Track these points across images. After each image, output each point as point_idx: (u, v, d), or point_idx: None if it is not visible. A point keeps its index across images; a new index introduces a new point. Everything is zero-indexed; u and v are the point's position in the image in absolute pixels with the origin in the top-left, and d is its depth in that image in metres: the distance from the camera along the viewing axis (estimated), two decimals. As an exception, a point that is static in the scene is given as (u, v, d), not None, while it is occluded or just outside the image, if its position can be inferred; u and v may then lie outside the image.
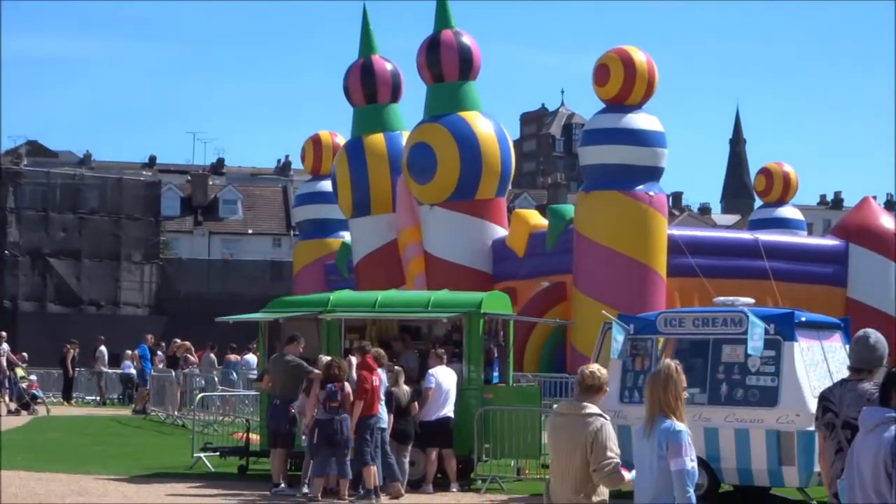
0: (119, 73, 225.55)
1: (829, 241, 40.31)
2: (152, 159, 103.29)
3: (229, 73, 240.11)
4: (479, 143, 39.19)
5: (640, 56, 36.37)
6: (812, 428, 17.52)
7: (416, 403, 20.27)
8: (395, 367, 20.52)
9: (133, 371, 41.72)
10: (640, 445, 8.86)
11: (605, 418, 9.24)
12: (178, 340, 40.85)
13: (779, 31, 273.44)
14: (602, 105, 36.79)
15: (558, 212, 39.34)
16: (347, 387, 18.91)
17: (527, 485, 21.35)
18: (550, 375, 32.89)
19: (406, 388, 20.22)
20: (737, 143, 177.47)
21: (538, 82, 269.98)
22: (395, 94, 43.37)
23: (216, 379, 34.91)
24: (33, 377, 39.78)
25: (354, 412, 18.83)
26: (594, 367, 9.53)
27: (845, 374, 18.48)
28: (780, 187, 44.47)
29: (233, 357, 39.31)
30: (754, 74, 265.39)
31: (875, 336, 10.17)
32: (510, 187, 44.03)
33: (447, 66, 39.89)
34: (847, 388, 10.09)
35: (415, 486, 20.41)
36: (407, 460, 20.26)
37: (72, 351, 43.25)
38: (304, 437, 19.54)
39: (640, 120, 36.25)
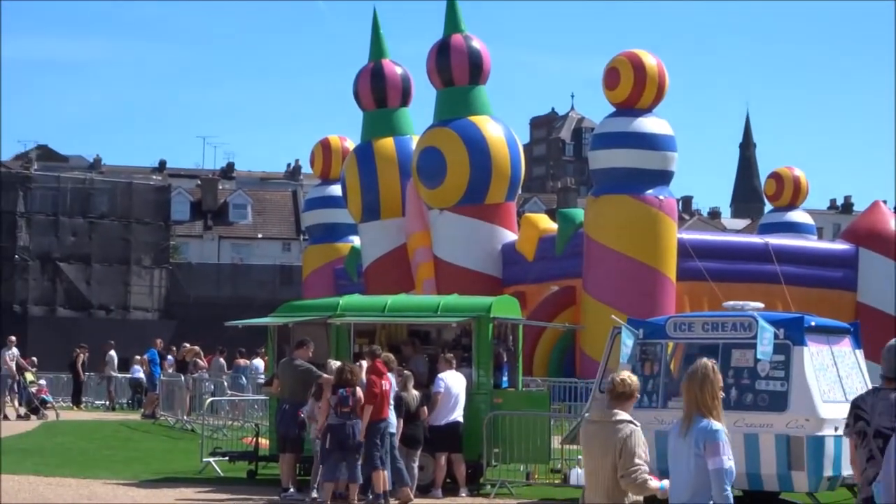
0: (129, 78, 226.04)
1: (839, 246, 40.25)
2: (162, 164, 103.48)
3: (239, 77, 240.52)
4: (488, 148, 39.19)
5: (650, 60, 36.36)
6: (821, 433, 17.51)
7: (425, 408, 20.25)
8: (405, 372, 20.50)
9: (142, 375, 41.73)
10: (677, 444, 8.89)
11: (636, 425, 9.30)
12: (188, 345, 40.85)
13: (789, 35, 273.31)
14: (612, 109, 36.79)
15: (568, 216, 39.34)
16: (359, 392, 18.88)
17: (536, 489, 21.32)
18: (560, 380, 32.86)
19: (415, 392, 20.20)
20: (747, 147, 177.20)
21: (548, 86, 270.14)
22: (405, 98, 43.39)
23: (225, 383, 34.91)
24: (42, 382, 39.77)
25: (364, 417, 18.81)
26: (625, 374, 9.59)
27: (854, 378, 18.64)
28: (790, 191, 44.45)
29: (242, 361, 39.35)
30: (764, 78, 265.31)
31: None
32: (520, 191, 44.02)
33: (457, 70, 39.90)
34: (879, 396, 10.06)
35: (424, 490, 20.38)
36: (416, 465, 20.24)
37: (81, 355, 43.28)
38: (316, 442, 19.51)
39: (650, 124, 36.24)
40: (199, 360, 38.32)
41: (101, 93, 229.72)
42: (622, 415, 9.32)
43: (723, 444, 8.68)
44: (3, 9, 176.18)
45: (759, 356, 17.91)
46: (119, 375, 44.66)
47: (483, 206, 39.63)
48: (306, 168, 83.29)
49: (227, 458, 23.79)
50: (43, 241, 59.69)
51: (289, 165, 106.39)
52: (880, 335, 36.30)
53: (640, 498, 9.34)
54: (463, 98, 39.98)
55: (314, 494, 19.69)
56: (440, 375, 20.54)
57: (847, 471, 17.88)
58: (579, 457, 21.03)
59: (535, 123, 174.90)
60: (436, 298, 25.05)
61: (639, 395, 9.77)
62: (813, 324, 18.65)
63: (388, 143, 42.65)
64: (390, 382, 19.34)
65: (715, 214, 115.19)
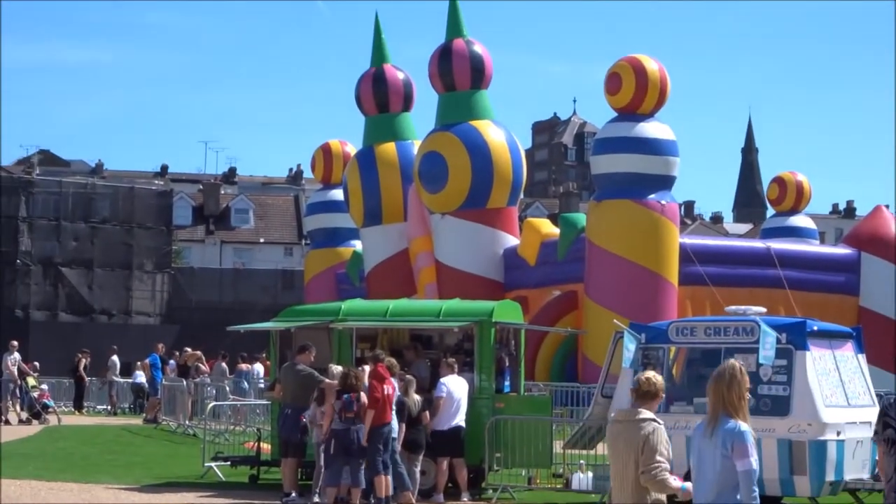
0: (131, 82, 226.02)
1: (842, 250, 40.26)
2: (164, 168, 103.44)
3: (241, 82, 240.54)
4: (490, 152, 39.20)
5: (651, 65, 36.39)
6: (823, 438, 17.49)
7: (427, 412, 20.23)
8: (407, 377, 20.47)
9: (144, 380, 41.73)
10: (702, 443, 8.91)
11: (659, 423, 9.35)
12: (190, 349, 40.86)
13: (791, 40, 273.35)
14: (614, 114, 36.80)
15: (570, 221, 39.35)
16: (364, 397, 18.87)
17: (538, 494, 21.30)
18: (562, 385, 32.88)
19: (417, 397, 20.17)
20: (749, 151, 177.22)
21: (550, 91, 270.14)
22: (407, 103, 43.42)
23: (227, 388, 34.91)
24: (44, 386, 39.78)
25: (366, 421, 18.79)
26: (650, 373, 9.69)
27: (857, 383, 18.62)
28: (793, 196, 44.47)
29: (244, 366, 39.36)
30: (767, 83, 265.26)
31: None
32: (522, 196, 44.05)
33: (459, 75, 39.93)
34: None
35: (426, 495, 20.37)
36: (418, 469, 20.22)
37: (83, 360, 43.30)
38: (319, 447, 19.48)
39: (651, 129, 36.26)
40: (200, 365, 38.32)
41: (103, 97, 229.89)
42: (646, 413, 9.38)
43: (750, 446, 8.72)
44: (5, 13, 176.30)
45: (761, 361, 17.89)
46: (121, 380, 44.67)
47: (485, 211, 39.64)
48: (308, 173, 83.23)
49: (228, 462, 23.78)
50: (45, 246, 59.70)
51: (291, 170, 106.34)
52: (882, 339, 36.57)
53: (664, 498, 9.35)
54: (465, 103, 40.01)
55: (316, 499, 19.69)
56: (442, 380, 20.52)
57: (849, 475, 17.88)
58: (581, 461, 21.04)
59: (538, 128, 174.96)
60: (438, 303, 25.04)
61: (664, 395, 9.78)
62: (815, 328, 18.64)
63: (389, 148, 42.68)
64: (393, 387, 19.32)
65: (717, 219, 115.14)
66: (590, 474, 20.43)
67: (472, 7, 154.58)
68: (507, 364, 22.58)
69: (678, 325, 19.63)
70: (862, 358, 19.13)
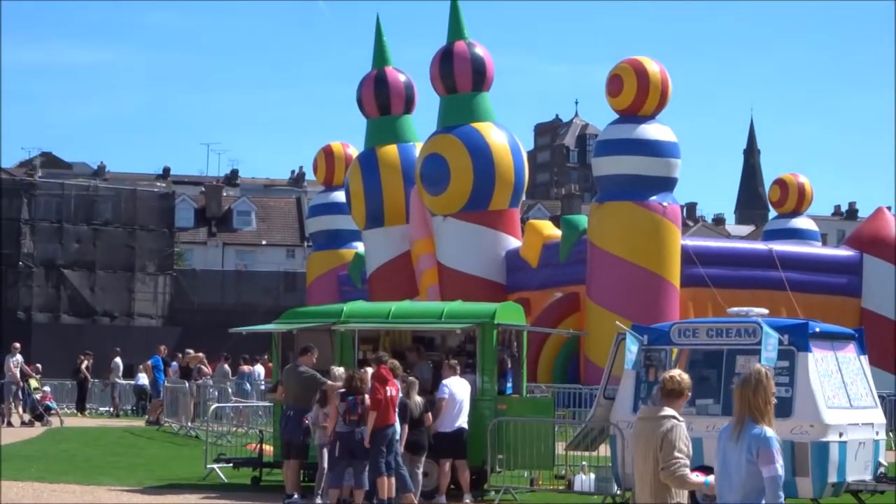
0: (133, 84, 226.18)
1: (844, 252, 40.25)
2: (166, 170, 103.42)
3: (243, 84, 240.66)
4: (492, 154, 39.20)
5: (653, 66, 36.39)
6: (825, 439, 17.49)
7: (429, 414, 20.23)
8: (409, 378, 20.47)
9: (146, 382, 41.74)
10: (728, 448, 8.91)
11: (679, 420, 9.36)
12: (192, 351, 40.85)
13: (792, 41, 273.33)
14: (616, 116, 36.79)
15: (572, 222, 39.34)
16: (368, 399, 18.87)
17: (540, 496, 21.30)
18: (564, 386, 32.89)
19: (419, 398, 20.17)
20: (751, 153, 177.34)
21: (552, 93, 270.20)
22: (409, 105, 43.41)
23: (229, 390, 34.92)
24: (47, 388, 39.79)
25: (368, 423, 18.80)
26: (675, 371, 9.69)
27: (859, 384, 18.62)
28: (794, 198, 44.45)
29: (246, 368, 39.36)
30: (768, 84, 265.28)
31: None
32: (524, 198, 44.06)
33: (460, 77, 39.92)
34: None
35: (428, 496, 20.38)
36: (420, 471, 20.21)
37: (86, 362, 43.32)
38: (325, 450, 19.46)
39: (653, 130, 36.26)
40: (203, 367, 38.32)
41: (104, 100, 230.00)
42: (668, 411, 9.39)
43: (776, 451, 8.74)
44: (6, 13, 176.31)
45: (763, 362, 17.86)
46: (123, 382, 44.70)
47: (487, 213, 39.64)
48: (310, 175, 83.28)
49: (231, 464, 23.78)
50: (47, 248, 59.75)
51: (293, 172, 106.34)
52: (884, 341, 36.58)
53: (684, 499, 9.36)
54: (466, 105, 40.00)
55: (318, 501, 19.69)
56: (444, 382, 20.53)
57: (852, 477, 17.88)
58: (584, 463, 21.04)
59: (540, 130, 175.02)
60: (440, 305, 25.02)
61: (690, 394, 9.78)
62: (817, 330, 18.64)
63: (391, 150, 42.67)
64: (397, 388, 19.32)
65: (719, 221, 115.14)
66: (592, 476, 20.43)
67: (473, 9, 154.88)
68: (510, 366, 22.59)
69: (680, 326, 19.63)
70: (864, 359, 19.13)
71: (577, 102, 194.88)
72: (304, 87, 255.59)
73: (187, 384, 35.21)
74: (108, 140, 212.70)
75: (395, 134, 43.01)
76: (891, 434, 26.24)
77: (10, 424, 36.50)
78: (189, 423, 33.38)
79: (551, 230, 40.58)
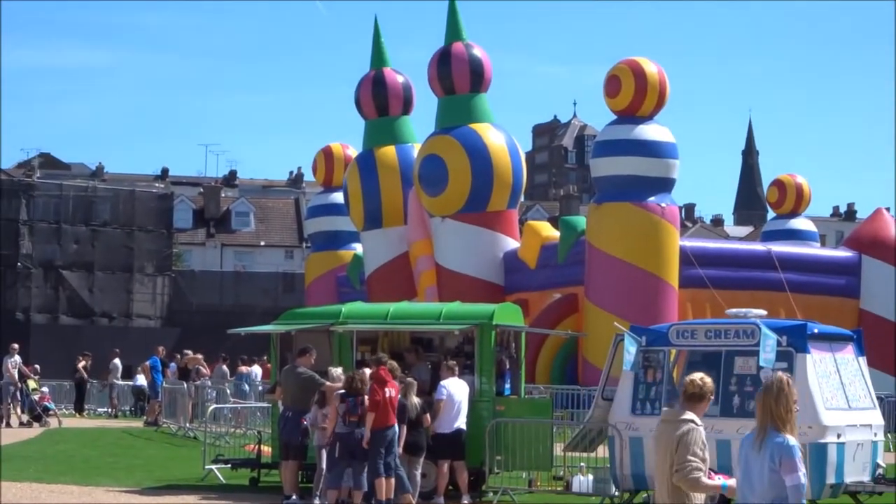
0: (132, 86, 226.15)
1: (842, 253, 40.25)
2: (165, 171, 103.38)
3: (242, 86, 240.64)
4: (490, 155, 39.20)
5: (651, 67, 36.38)
6: (823, 440, 17.49)
7: (427, 415, 20.22)
8: (407, 379, 20.47)
9: (144, 383, 41.72)
10: (750, 456, 8.91)
11: (697, 424, 9.33)
12: (190, 352, 40.81)
13: (792, 41, 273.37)
14: (614, 116, 36.79)
15: (570, 223, 39.33)
16: (367, 400, 18.86)
17: (538, 497, 21.30)
18: (562, 387, 32.88)
19: (416, 400, 20.17)
20: (749, 154, 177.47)
21: (550, 94, 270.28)
22: (407, 106, 43.42)
23: (228, 391, 34.91)
24: (45, 389, 39.77)
25: (367, 424, 18.80)
26: (698, 375, 9.62)
27: (857, 386, 18.62)
28: (793, 199, 44.47)
29: (244, 369, 39.36)
30: (767, 85, 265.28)
31: None
32: (522, 199, 44.06)
33: (458, 78, 39.93)
34: None
35: (426, 498, 20.38)
36: (419, 472, 20.21)
37: (84, 362, 43.31)
38: (324, 451, 19.45)
39: (651, 131, 36.25)
40: (201, 368, 38.30)
41: (103, 101, 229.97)
42: (688, 415, 9.36)
43: (798, 460, 8.73)
44: (5, 14, 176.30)
45: (761, 363, 17.88)
46: (122, 383, 44.69)
47: (485, 214, 39.64)
48: (309, 176, 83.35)
49: (229, 465, 23.79)
50: (46, 249, 59.71)
51: (291, 173, 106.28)
52: (883, 342, 36.58)
53: (701, 502, 9.37)
54: (464, 106, 40.00)
55: (316, 502, 19.69)
56: (442, 383, 20.53)
57: (850, 478, 17.88)
58: (582, 464, 21.03)
59: (538, 131, 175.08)
60: (438, 306, 25.03)
61: (713, 397, 9.75)
62: (816, 331, 18.64)
63: (389, 152, 42.68)
64: (396, 389, 19.32)
65: (718, 222, 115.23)
66: (590, 477, 20.43)
67: (471, 10, 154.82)
68: (508, 367, 22.60)
69: (679, 327, 19.63)
70: (862, 360, 19.13)
71: (575, 103, 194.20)
72: (302, 88, 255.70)
73: (185, 385, 35.21)
74: (106, 141, 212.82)
75: (393, 135, 43.02)
76: (889, 435, 26.27)
77: (8, 425, 36.48)
78: (187, 424, 33.37)
79: (549, 231, 40.57)
